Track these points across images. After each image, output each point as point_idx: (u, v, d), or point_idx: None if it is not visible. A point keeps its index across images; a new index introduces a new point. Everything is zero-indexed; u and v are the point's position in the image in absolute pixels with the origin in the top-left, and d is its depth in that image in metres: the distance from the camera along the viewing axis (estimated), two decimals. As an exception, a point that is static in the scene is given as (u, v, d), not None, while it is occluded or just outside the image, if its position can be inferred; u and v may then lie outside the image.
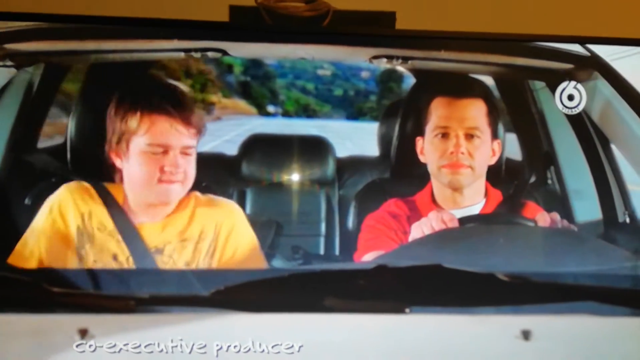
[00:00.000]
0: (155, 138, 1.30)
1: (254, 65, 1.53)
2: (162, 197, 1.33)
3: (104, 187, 1.35)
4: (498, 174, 1.45)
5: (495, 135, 1.42)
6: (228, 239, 1.34)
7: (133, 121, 1.30)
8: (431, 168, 1.42)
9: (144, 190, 1.33)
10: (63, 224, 1.33)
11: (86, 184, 1.35)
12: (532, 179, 1.50)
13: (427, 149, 1.42)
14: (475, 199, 1.43)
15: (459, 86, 1.46)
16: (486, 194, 1.44)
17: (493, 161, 1.42)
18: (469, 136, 1.39)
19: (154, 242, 1.33)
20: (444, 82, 1.49)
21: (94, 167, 1.35)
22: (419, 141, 1.43)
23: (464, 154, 1.39)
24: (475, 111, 1.40)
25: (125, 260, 1.32)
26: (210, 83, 1.53)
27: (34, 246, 1.31)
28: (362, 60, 1.49)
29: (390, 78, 1.58)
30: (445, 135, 1.39)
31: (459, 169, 1.39)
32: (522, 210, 1.43)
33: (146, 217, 1.34)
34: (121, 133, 1.31)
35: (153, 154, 1.30)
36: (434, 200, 1.43)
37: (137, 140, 1.30)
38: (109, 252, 1.32)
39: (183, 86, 1.41)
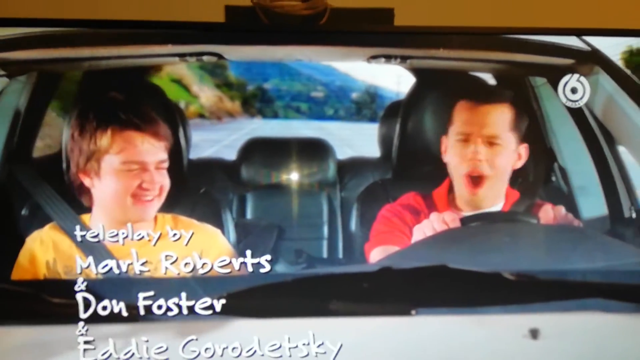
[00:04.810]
0: (130, 156, 1.28)
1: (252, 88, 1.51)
2: (139, 215, 1.30)
3: (73, 220, 1.31)
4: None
5: (522, 140, 1.40)
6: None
7: (104, 140, 1.27)
8: (453, 172, 1.41)
9: (119, 209, 1.30)
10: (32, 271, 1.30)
11: (48, 230, 1.30)
12: (536, 177, 1.48)
13: (449, 151, 1.40)
14: (494, 202, 1.41)
15: (484, 90, 1.45)
16: (505, 196, 1.42)
17: (519, 165, 1.40)
18: (489, 143, 1.37)
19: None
20: (468, 85, 1.47)
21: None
22: (443, 140, 1.41)
23: (482, 161, 1.37)
24: (498, 117, 1.39)
25: None
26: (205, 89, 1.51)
27: None
28: (360, 60, 1.47)
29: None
30: (465, 141, 1.38)
31: (479, 184, 1.38)
32: (532, 209, 1.42)
33: (119, 236, 1.30)
34: (90, 153, 1.28)
35: (128, 172, 1.28)
36: (450, 200, 1.42)
37: (109, 159, 1.28)
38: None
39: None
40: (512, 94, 1.42)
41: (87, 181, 1.30)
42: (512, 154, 1.39)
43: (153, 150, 1.29)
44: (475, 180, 1.39)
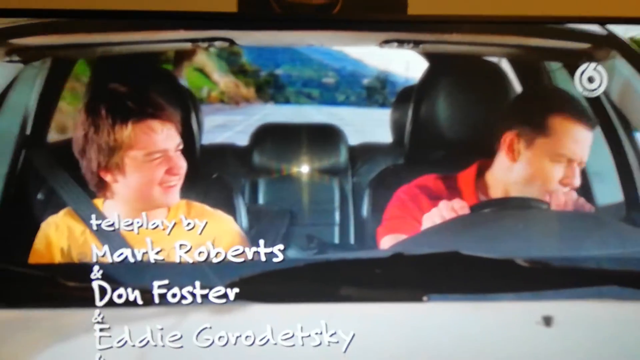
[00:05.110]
0: (152, 146, 1.27)
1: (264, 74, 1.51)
2: (167, 201, 1.30)
3: (89, 206, 1.31)
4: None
5: None
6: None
7: (125, 136, 1.26)
8: (525, 179, 1.38)
9: (146, 199, 1.29)
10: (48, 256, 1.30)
11: (62, 215, 1.31)
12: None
13: (531, 159, 1.37)
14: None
15: (582, 111, 1.39)
16: None
17: None
18: (580, 169, 1.36)
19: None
20: (569, 103, 1.42)
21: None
22: (508, 136, 1.37)
23: (570, 185, 1.35)
24: (590, 144, 1.37)
25: None
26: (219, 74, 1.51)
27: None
28: (373, 45, 1.46)
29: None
30: (561, 162, 1.35)
31: (554, 200, 1.36)
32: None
33: (134, 225, 1.30)
34: (111, 150, 1.26)
35: (153, 161, 1.27)
36: (479, 186, 1.40)
37: (133, 154, 1.27)
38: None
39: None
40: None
41: (108, 177, 1.29)
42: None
43: (171, 135, 1.29)
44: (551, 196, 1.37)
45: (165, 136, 1.28)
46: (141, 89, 1.32)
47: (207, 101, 1.48)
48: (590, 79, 1.38)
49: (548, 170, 1.36)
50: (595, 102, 1.40)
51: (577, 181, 1.35)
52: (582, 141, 1.36)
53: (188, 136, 1.37)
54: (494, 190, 1.39)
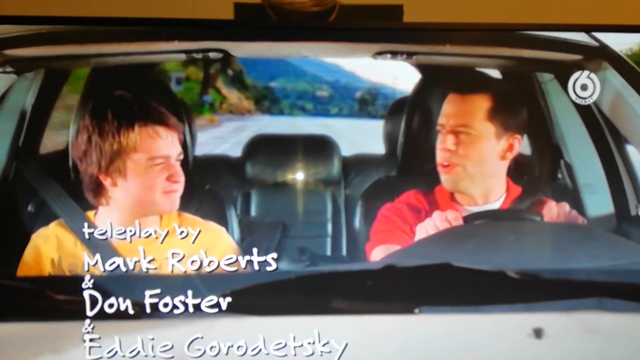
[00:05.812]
0: (155, 150, 1.29)
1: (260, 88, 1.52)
2: (168, 208, 1.31)
3: (80, 217, 1.32)
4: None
5: (510, 130, 1.39)
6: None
7: (129, 138, 1.28)
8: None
9: (146, 204, 1.30)
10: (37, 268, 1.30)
11: (53, 227, 1.31)
12: (542, 174, 1.47)
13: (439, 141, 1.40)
14: (491, 197, 1.41)
15: (463, 82, 1.43)
16: (507, 191, 1.41)
17: (510, 156, 1.39)
18: (458, 133, 1.37)
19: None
20: (452, 79, 1.46)
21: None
22: None
23: (451, 152, 1.37)
24: (471, 107, 1.38)
25: None
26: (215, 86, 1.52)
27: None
28: (366, 56, 1.46)
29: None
30: (439, 132, 1.39)
31: (449, 169, 1.38)
32: (536, 206, 1.41)
33: (127, 234, 1.30)
34: (114, 153, 1.28)
35: (155, 166, 1.29)
36: (452, 197, 1.41)
37: (135, 157, 1.28)
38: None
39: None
40: (494, 82, 1.43)
41: (107, 181, 1.30)
42: (492, 144, 1.38)
43: (174, 143, 1.31)
44: (445, 167, 1.39)
45: (169, 143, 1.30)
46: (148, 97, 1.34)
47: (219, 112, 1.49)
48: (584, 87, 1.39)
49: (437, 143, 1.39)
50: (585, 110, 1.40)
51: (449, 146, 1.37)
52: (452, 106, 1.39)
53: (182, 146, 1.38)
54: (463, 200, 1.41)
